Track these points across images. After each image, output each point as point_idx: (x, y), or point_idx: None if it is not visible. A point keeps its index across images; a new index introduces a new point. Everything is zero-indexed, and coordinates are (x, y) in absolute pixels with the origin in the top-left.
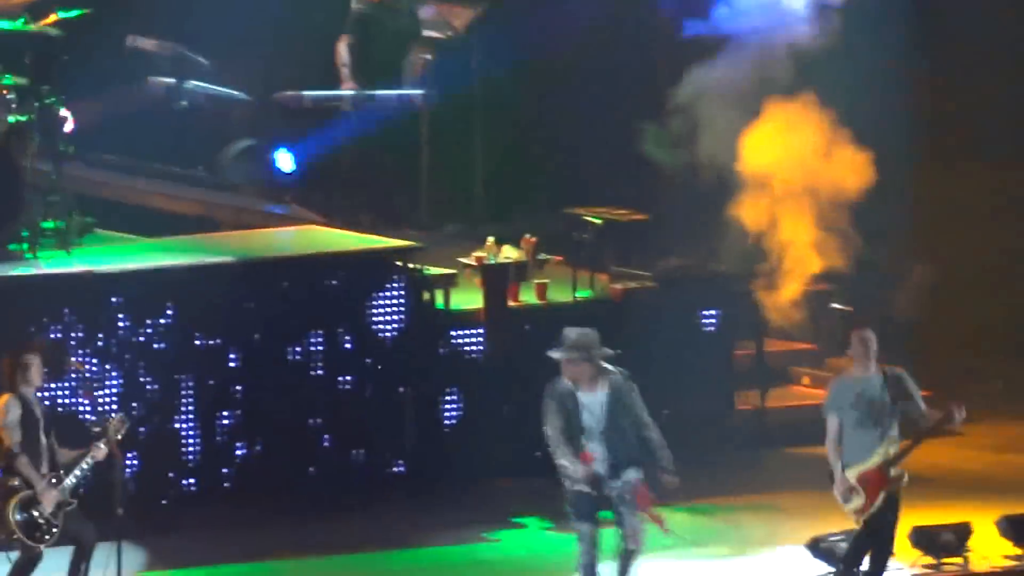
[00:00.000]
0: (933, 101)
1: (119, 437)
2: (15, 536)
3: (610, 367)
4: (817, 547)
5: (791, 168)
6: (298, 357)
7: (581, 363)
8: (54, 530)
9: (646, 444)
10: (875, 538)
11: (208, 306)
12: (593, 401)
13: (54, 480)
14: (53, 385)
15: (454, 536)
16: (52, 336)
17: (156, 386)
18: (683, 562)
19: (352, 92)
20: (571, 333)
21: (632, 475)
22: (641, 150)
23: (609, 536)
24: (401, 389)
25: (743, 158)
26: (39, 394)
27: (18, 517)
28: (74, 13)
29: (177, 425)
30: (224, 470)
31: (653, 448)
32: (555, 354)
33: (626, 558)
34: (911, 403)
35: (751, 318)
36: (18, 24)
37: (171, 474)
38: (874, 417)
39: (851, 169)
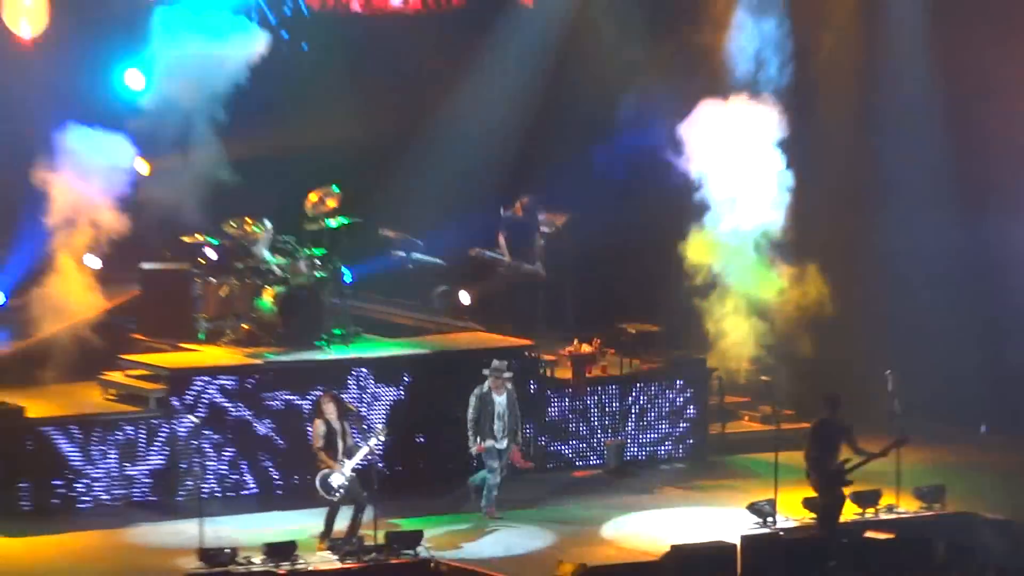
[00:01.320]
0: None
1: (381, 439)
2: (320, 494)
3: (508, 382)
4: (752, 508)
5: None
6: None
7: (500, 378)
8: (342, 491)
9: (516, 425)
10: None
11: (422, 375)
12: (500, 400)
13: (344, 463)
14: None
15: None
16: (336, 391)
17: (386, 415)
18: (677, 515)
19: (508, 262)
20: (496, 362)
21: (510, 444)
22: (659, 289)
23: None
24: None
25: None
26: (336, 418)
27: (320, 483)
28: (350, 221)
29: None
30: (421, 463)
31: (517, 428)
32: (486, 372)
33: (499, 484)
34: (853, 441)
35: (716, 383)
36: (323, 223)
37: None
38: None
39: (770, 281)
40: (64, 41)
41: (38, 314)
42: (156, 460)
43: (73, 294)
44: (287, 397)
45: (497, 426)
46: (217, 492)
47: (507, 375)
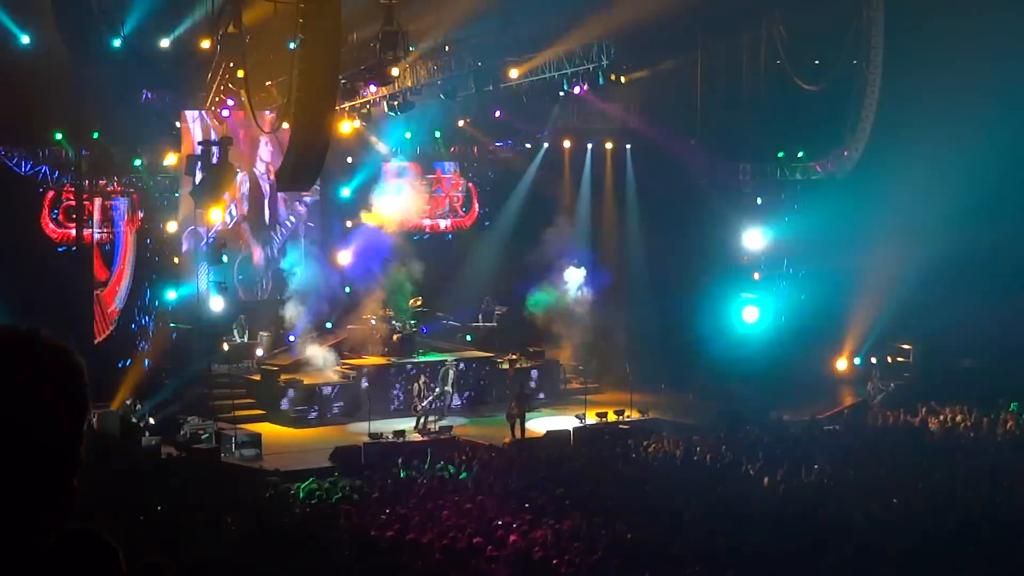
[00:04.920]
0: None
1: (437, 392)
2: (416, 407)
3: (455, 364)
4: (576, 416)
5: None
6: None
7: (449, 363)
8: (419, 410)
9: (454, 381)
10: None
11: (453, 366)
12: (452, 367)
13: (422, 401)
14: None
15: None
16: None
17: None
18: (548, 420)
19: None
20: (450, 356)
21: (453, 385)
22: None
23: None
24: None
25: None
26: (422, 383)
27: (417, 408)
28: (425, 309)
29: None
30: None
31: (453, 382)
32: (446, 359)
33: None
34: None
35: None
36: (415, 308)
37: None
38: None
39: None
40: None
41: (354, 336)
42: (355, 399)
43: (368, 328)
44: (403, 373)
45: (452, 376)
46: (378, 408)
47: (452, 361)
